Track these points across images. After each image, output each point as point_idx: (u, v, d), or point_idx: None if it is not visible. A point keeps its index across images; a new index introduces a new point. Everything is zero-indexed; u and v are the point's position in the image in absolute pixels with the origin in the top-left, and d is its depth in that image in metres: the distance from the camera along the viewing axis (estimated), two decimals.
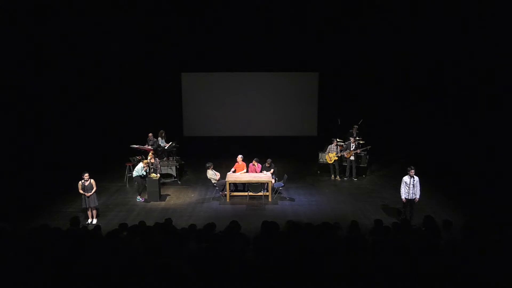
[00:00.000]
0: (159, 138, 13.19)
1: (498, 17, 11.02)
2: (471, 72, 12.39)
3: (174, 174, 12.58)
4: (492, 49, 11.43)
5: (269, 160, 11.61)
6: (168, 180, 12.53)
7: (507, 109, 11.26)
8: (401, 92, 14.98)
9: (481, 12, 11.45)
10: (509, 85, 11.15)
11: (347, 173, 12.80)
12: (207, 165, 11.28)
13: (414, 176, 9.08)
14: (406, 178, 9.12)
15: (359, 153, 12.64)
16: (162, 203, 10.78)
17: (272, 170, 11.48)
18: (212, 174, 11.24)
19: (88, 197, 9.26)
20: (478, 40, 11.81)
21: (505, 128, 11.27)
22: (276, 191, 11.25)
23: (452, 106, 13.45)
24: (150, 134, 13.07)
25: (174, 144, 13.28)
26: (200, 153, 14.62)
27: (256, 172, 11.47)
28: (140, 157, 12.25)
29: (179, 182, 12.53)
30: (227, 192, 10.94)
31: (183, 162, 13.27)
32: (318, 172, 13.46)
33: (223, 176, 11.32)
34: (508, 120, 11.19)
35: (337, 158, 12.67)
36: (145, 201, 10.85)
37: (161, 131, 13.35)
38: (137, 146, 12.77)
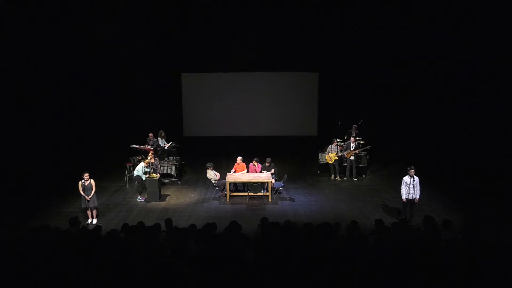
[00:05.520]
0: (159, 138, 13.19)
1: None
2: (471, 71, 12.39)
3: (174, 174, 12.58)
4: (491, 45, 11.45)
5: (268, 159, 11.62)
6: (168, 180, 12.53)
7: (507, 108, 11.26)
8: (401, 92, 14.99)
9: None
10: (509, 85, 11.15)
11: (347, 173, 12.80)
12: (207, 165, 11.29)
13: (414, 176, 9.08)
14: (406, 178, 9.12)
15: (359, 153, 12.65)
16: (162, 203, 10.78)
17: (272, 170, 11.48)
18: (212, 174, 11.24)
19: (88, 200, 9.27)
20: (475, 38, 11.83)
21: (505, 127, 11.27)
22: (276, 191, 11.25)
23: (452, 106, 13.45)
24: (151, 134, 13.08)
25: (174, 144, 13.29)
26: (200, 153, 14.65)
27: (256, 172, 11.47)
28: (140, 157, 12.27)
29: (179, 182, 12.53)
30: (227, 192, 10.94)
31: (183, 162, 13.28)
32: (318, 172, 13.46)
33: (223, 176, 11.32)
34: (508, 119, 11.19)
35: (337, 158, 12.67)
36: (145, 201, 10.86)
37: (161, 131, 13.36)
38: (137, 146, 12.79)
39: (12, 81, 11.98)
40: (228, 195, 10.95)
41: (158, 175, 11.17)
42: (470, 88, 12.52)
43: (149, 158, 11.25)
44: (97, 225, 7.40)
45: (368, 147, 12.68)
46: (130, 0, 13.66)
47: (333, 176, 12.93)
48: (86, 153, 13.92)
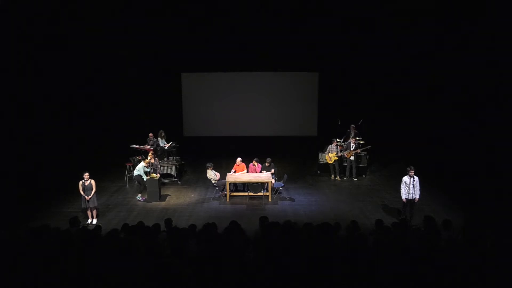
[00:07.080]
0: (159, 138, 13.20)
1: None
2: (470, 71, 12.38)
3: (174, 174, 12.58)
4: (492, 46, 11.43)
5: (268, 159, 11.62)
6: (168, 180, 12.53)
7: (507, 108, 11.25)
8: (401, 92, 14.99)
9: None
10: (510, 84, 11.14)
11: (347, 173, 12.81)
12: (207, 165, 11.29)
13: (414, 176, 9.08)
14: (406, 178, 9.12)
15: (359, 153, 12.65)
16: (162, 203, 10.78)
17: (273, 170, 11.49)
18: (212, 175, 11.25)
19: (88, 200, 9.27)
20: (475, 40, 11.83)
21: (506, 126, 11.25)
22: (276, 191, 11.25)
23: (452, 106, 13.44)
24: (151, 134, 13.08)
25: (174, 144, 13.30)
26: (200, 153, 14.65)
27: (256, 172, 11.47)
28: (140, 157, 12.28)
29: (179, 182, 12.53)
30: (227, 192, 10.94)
31: (183, 162, 13.28)
32: (318, 172, 13.46)
33: (223, 176, 11.32)
34: (508, 119, 11.18)
35: (337, 158, 12.67)
36: (145, 201, 10.86)
37: (161, 131, 13.36)
38: (137, 146, 12.80)
39: (12, 81, 11.97)
40: (228, 195, 10.95)
41: (158, 175, 11.18)
42: (470, 87, 12.52)
43: (149, 158, 11.25)
44: (97, 225, 7.40)
45: (368, 147, 12.68)
46: (130, 0, 13.67)
47: (333, 176, 12.93)
48: (86, 153, 13.90)
